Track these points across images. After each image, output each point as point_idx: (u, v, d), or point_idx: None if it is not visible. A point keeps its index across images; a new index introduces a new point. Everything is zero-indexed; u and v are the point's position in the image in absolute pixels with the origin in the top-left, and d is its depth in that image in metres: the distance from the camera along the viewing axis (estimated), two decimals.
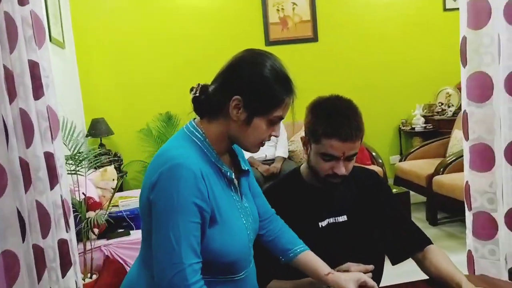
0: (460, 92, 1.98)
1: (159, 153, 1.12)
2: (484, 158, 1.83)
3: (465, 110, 1.82)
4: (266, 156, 4.18)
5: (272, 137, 1.17)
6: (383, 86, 4.96)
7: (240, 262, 1.15)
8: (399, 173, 4.34)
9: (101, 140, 4.18)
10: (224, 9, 4.63)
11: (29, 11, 1.47)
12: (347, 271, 1.29)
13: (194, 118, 1.19)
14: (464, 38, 1.77)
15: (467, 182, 1.90)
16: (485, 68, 1.75)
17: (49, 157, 1.55)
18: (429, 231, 3.86)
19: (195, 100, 1.16)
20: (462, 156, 1.99)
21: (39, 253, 1.53)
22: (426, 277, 1.41)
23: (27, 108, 1.48)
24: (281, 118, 1.14)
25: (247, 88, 1.10)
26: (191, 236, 1.03)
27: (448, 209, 3.91)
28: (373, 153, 4.52)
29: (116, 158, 4.08)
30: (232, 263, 1.13)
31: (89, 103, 4.36)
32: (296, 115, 1.19)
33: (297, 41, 4.74)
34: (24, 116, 1.48)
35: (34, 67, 1.49)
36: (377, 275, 1.49)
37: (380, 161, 4.45)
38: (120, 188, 3.81)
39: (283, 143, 4.25)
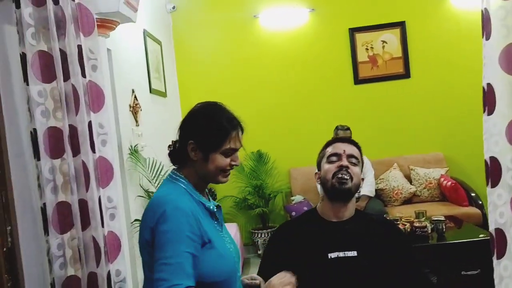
0: None
1: (155, 200, 1.36)
2: None
3: None
4: None
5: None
6: (481, 121, 4.59)
7: (230, 280, 1.36)
8: None
9: None
10: (311, 50, 4.79)
11: (88, 80, 1.88)
12: None
13: (174, 168, 1.44)
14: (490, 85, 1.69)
15: None
16: None
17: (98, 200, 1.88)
18: None
19: (170, 154, 1.44)
20: None
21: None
22: None
23: (86, 160, 1.85)
24: (234, 149, 1.38)
25: (197, 131, 1.37)
26: (186, 263, 1.24)
27: None
28: (472, 194, 4.21)
29: (210, 194, 4.44)
30: (223, 282, 1.34)
31: None
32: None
33: (388, 78, 4.70)
34: (84, 167, 1.85)
35: (90, 126, 1.87)
36: None
37: (480, 202, 4.11)
38: None
39: (369, 181, 4.16)
